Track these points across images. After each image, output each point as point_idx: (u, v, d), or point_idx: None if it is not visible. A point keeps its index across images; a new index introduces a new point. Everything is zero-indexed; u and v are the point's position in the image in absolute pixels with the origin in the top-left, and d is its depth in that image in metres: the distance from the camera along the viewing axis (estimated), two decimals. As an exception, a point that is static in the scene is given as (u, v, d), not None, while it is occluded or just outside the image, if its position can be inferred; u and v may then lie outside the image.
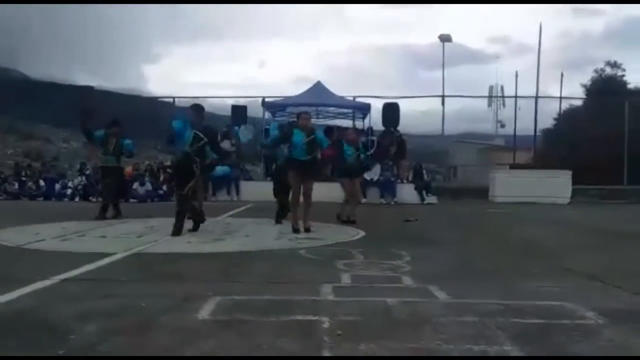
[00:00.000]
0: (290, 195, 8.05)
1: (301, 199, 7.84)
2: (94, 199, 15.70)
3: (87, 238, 6.99)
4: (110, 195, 9.92)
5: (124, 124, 10.26)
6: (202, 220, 7.77)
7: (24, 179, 18.57)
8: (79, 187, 17.45)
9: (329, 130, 18.28)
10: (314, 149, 7.83)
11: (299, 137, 7.74)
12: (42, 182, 18.03)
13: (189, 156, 7.24)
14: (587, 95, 29.63)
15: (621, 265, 5.37)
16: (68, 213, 11.08)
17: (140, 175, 17.58)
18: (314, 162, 7.93)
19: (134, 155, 11.01)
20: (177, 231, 7.11)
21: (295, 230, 7.63)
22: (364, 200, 15.26)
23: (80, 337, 2.74)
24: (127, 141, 9.87)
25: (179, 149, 7.35)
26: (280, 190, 8.70)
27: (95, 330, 2.85)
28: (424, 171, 18.42)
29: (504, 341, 2.74)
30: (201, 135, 7.30)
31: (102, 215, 9.46)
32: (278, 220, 8.81)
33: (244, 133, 18.18)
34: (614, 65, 30.76)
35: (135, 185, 16.61)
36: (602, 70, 31.13)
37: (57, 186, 17.87)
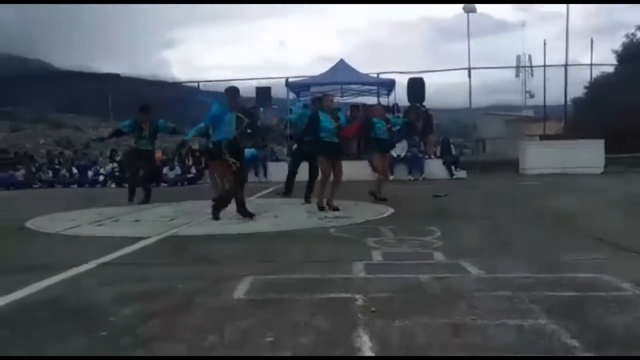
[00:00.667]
0: (320, 176, 8.13)
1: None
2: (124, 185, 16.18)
3: (122, 223, 7.14)
4: (141, 179, 10.07)
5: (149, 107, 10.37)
6: (226, 205, 7.68)
7: (57, 167, 19.02)
8: (114, 172, 17.75)
9: (354, 108, 18.26)
10: (339, 130, 7.94)
11: (326, 120, 7.82)
12: (75, 170, 18.44)
13: (237, 139, 7.35)
14: (618, 61, 28.71)
15: (658, 235, 5.26)
16: (102, 199, 11.32)
17: (170, 159, 17.82)
18: (341, 143, 8.08)
19: (176, 129, 10.84)
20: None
21: (321, 209, 7.69)
22: (391, 177, 15.24)
23: (119, 319, 2.82)
24: (160, 120, 10.06)
25: (223, 133, 7.29)
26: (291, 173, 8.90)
27: (133, 312, 2.93)
28: (452, 145, 18.20)
29: (538, 315, 2.72)
30: (243, 117, 7.42)
31: (131, 197, 9.69)
32: (307, 199, 8.85)
33: (267, 116, 18.06)
34: (646, 29, 29.67)
35: (165, 169, 16.86)
36: (634, 34, 30.07)
37: (90, 173, 18.25)
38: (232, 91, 7.56)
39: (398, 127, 9.80)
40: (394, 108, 18.46)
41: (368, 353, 2.27)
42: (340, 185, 8.02)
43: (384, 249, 4.74)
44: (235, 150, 7.29)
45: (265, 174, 17.14)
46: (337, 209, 7.68)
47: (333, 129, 7.81)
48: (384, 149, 9.45)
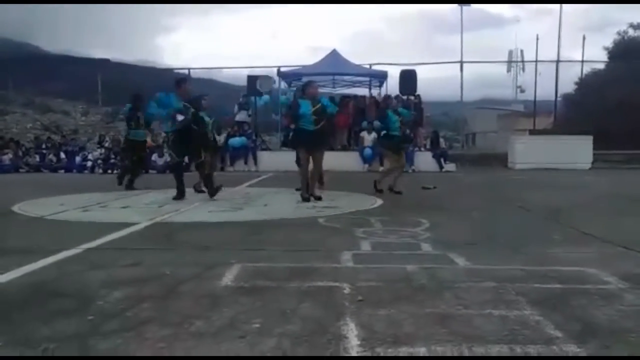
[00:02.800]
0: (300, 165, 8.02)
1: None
2: (110, 172, 16.25)
3: (110, 208, 7.11)
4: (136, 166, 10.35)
5: (142, 96, 10.33)
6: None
7: (44, 151, 18.83)
8: (99, 159, 17.64)
9: (345, 99, 18.26)
10: (321, 118, 7.68)
11: (305, 107, 7.63)
12: (62, 155, 18.28)
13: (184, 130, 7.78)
14: (609, 58, 28.91)
15: (643, 230, 5.33)
16: (89, 184, 11.26)
17: (158, 146, 17.70)
18: (321, 132, 7.78)
19: (154, 116, 10.95)
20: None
21: (305, 199, 7.63)
22: (380, 169, 15.28)
23: (107, 304, 2.82)
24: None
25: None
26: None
27: (121, 297, 2.93)
28: (442, 139, 18.28)
29: (524, 306, 2.76)
30: (189, 106, 7.78)
31: (131, 186, 9.89)
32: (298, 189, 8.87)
33: (264, 85, 17.66)
34: (637, 27, 29.90)
35: (154, 156, 16.75)
36: (625, 32, 30.29)
37: (78, 158, 18.10)
38: (180, 81, 7.82)
39: (407, 119, 9.58)
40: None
41: (354, 340, 2.28)
42: (321, 174, 7.94)
43: (372, 239, 4.76)
44: (181, 139, 7.74)
45: (255, 163, 17.12)
46: (319, 198, 7.65)
47: (310, 116, 7.57)
48: (397, 146, 9.06)
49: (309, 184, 7.80)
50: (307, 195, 7.70)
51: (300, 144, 7.84)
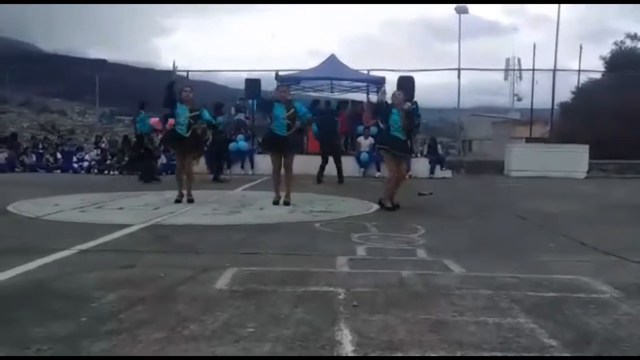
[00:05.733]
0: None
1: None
2: (107, 172, 16.45)
3: (105, 210, 7.08)
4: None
5: (136, 97, 10.71)
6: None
7: (41, 151, 18.75)
8: (95, 160, 17.59)
9: (342, 103, 18.26)
10: (294, 123, 7.58)
11: (279, 110, 7.59)
12: (59, 155, 18.20)
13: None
14: (606, 68, 29.06)
15: (637, 240, 5.35)
16: (86, 185, 11.22)
17: (155, 148, 17.65)
18: (293, 137, 7.69)
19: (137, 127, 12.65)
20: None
21: (275, 203, 7.65)
22: (377, 174, 15.28)
23: (101, 306, 2.81)
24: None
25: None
26: None
27: (116, 299, 2.92)
28: (439, 145, 18.29)
29: (517, 314, 2.76)
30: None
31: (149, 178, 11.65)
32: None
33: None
34: (634, 37, 30.10)
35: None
36: (622, 42, 30.48)
37: (74, 159, 18.02)
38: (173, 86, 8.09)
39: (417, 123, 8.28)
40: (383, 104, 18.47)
41: (348, 346, 2.28)
42: (293, 180, 7.88)
43: (368, 244, 4.76)
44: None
45: (252, 166, 17.09)
46: (288, 204, 7.58)
47: (282, 120, 7.53)
48: (395, 150, 7.52)
49: (286, 190, 7.77)
50: (277, 199, 7.72)
51: (270, 148, 7.90)
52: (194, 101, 7.93)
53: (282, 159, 7.71)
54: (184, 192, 7.94)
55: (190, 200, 7.82)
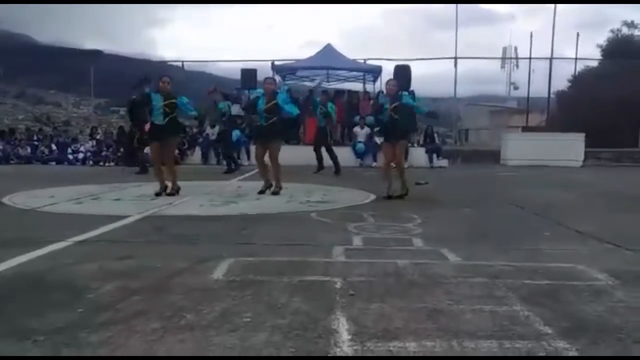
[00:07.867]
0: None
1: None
2: (102, 164, 16.44)
3: (102, 201, 7.08)
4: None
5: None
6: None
7: (36, 143, 18.68)
8: (90, 151, 17.53)
9: (339, 93, 18.22)
10: (275, 114, 7.84)
11: (261, 103, 7.92)
12: (54, 146, 18.14)
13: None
14: (603, 56, 29.06)
15: (633, 228, 5.36)
16: (81, 177, 11.19)
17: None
18: (273, 127, 7.88)
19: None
20: None
21: (261, 192, 7.87)
22: (373, 164, 15.27)
23: (98, 297, 2.81)
24: None
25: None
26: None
27: (112, 290, 2.92)
28: (435, 134, 18.27)
29: (513, 302, 2.77)
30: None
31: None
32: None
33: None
34: (631, 25, 30.08)
35: (147, 149, 16.66)
36: (619, 30, 30.46)
37: (69, 150, 17.96)
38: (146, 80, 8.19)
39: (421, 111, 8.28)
40: (378, 95, 18.45)
41: (345, 335, 2.28)
42: (279, 169, 7.95)
43: (364, 234, 4.76)
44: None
45: (248, 157, 17.06)
46: (277, 193, 7.79)
47: (262, 113, 7.87)
48: (386, 136, 7.76)
49: (275, 179, 7.95)
50: (264, 189, 7.96)
51: (254, 138, 8.20)
52: (171, 90, 7.55)
53: (266, 149, 7.94)
54: (168, 183, 7.52)
55: (171, 194, 7.40)
